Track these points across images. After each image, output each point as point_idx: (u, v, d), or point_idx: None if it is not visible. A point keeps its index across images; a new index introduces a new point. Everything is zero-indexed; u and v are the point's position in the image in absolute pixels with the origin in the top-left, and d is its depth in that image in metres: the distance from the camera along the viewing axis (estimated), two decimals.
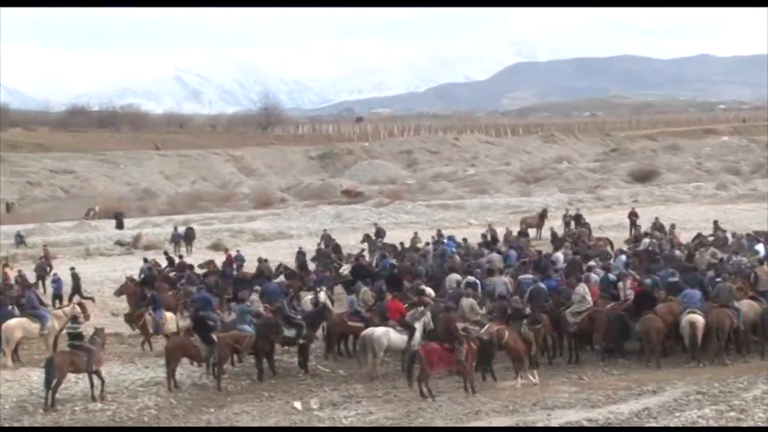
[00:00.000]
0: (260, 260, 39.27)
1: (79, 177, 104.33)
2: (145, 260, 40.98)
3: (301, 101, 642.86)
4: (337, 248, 44.77)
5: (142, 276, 37.40)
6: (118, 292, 35.76)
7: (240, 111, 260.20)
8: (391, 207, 73.42)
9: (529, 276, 30.84)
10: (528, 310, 26.06)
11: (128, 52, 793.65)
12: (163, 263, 41.42)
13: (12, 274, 39.22)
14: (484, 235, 45.35)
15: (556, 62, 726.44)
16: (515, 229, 49.73)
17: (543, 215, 56.40)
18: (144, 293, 32.94)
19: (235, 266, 40.47)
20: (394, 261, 38.62)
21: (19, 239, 57.19)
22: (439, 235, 45.84)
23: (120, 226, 66.71)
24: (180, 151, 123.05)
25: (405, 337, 25.88)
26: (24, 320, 28.92)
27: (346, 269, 37.73)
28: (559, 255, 36.76)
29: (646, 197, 78.35)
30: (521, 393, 23.81)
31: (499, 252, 38.58)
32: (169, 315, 30.49)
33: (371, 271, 35.12)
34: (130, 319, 32.05)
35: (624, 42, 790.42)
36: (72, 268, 40.12)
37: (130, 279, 36.79)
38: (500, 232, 47.76)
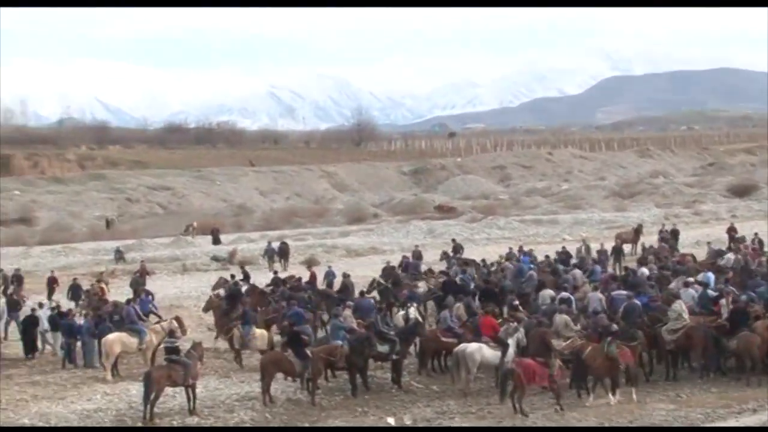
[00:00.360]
0: (345, 275, 39.51)
1: (176, 193, 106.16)
2: (233, 276, 41.36)
3: (394, 117, 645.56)
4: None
5: (227, 291, 37.60)
6: (205, 308, 36.19)
7: (333, 127, 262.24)
8: (483, 222, 73.17)
9: (623, 292, 30.48)
10: (615, 327, 25.74)
11: (224, 69, 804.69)
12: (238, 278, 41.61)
13: (107, 290, 39.99)
14: (559, 252, 44.92)
15: (652, 75, 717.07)
16: (609, 245, 49.19)
17: (638, 231, 55.71)
18: (230, 307, 33.31)
19: (325, 282, 40.76)
20: (473, 276, 38.42)
21: (119, 255, 58.40)
22: (520, 251, 45.73)
23: (216, 241, 67.66)
24: (274, 167, 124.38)
25: (498, 353, 25.72)
26: (123, 335, 29.47)
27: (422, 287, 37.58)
28: (644, 270, 36.30)
29: (745, 212, 76.83)
30: (617, 411, 23.54)
31: (580, 267, 38.21)
32: (258, 331, 30.52)
33: (462, 287, 34.97)
34: (218, 333, 32.48)
35: (722, 54, 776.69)
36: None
37: (216, 294, 37.18)
38: (594, 248, 47.34)
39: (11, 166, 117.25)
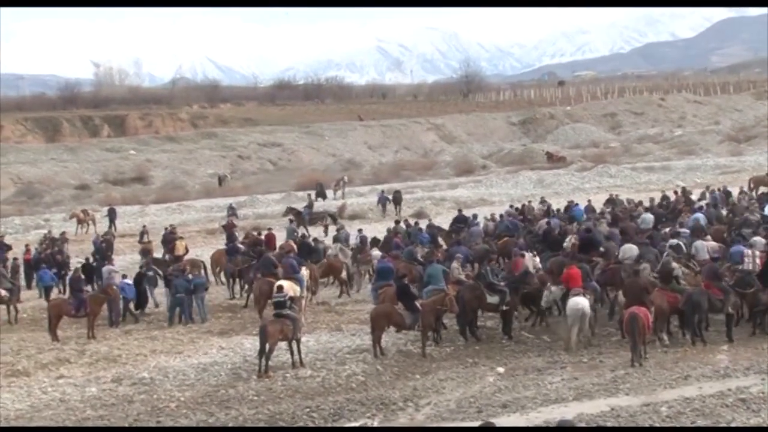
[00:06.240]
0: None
1: (286, 149, 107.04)
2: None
3: (503, 67, 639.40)
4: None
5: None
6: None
7: (441, 79, 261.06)
8: (594, 171, 72.28)
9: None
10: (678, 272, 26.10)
11: (331, 24, 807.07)
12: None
13: (182, 246, 40.70)
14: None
15: None
16: (735, 190, 48.08)
17: None
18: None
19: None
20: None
21: (231, 211, 59.17)
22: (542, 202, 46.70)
23: (321, 195, 67.82)
24: (382, 121, 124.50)
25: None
26: (291, 282, 29.98)
27: None
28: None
29: None
30: (734, 357, 23.22)
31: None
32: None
33: (560, 240, 34.33)
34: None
35: None
36: None
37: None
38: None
39: (126, 126, 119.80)
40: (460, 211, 45.59)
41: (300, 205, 62.06)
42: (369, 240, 38.07)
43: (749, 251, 27.57)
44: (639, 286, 24.82)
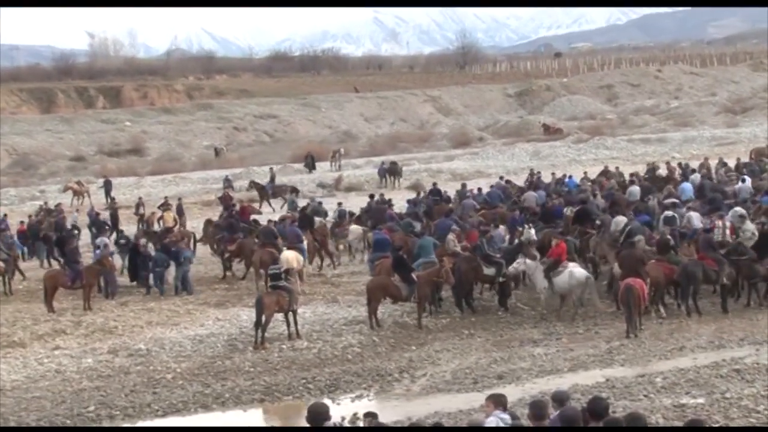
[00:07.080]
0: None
1: (282, 121, 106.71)
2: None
3: (499, 39, 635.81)
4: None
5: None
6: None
7: (437, 51, 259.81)
8: (590, 143, 72.19)
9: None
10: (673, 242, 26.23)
11: None
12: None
13: (170, 218, 40.74)
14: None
15: None
16: (732, 161, 48.03)
17: None
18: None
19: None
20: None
21: (227, 183, 59.11)
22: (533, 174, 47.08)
23: (310, 167, 67.71)
24: (378, 92, 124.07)
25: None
26: (296, 253, 29.98)
27: None
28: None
29: None
30: (728, 328, 23.32)
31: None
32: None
33: (554, 213, 34.36)
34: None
35: None
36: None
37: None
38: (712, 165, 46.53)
39: (121, 98, 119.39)
40: (434, 184, 45.49)
41: (296, 178, 62.13)
42: (347, 214, 38.15)
43: (719, 222, 27.73)
44: (634, 258, 24.88)
